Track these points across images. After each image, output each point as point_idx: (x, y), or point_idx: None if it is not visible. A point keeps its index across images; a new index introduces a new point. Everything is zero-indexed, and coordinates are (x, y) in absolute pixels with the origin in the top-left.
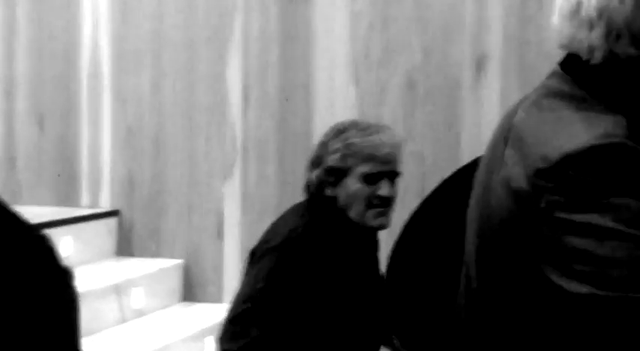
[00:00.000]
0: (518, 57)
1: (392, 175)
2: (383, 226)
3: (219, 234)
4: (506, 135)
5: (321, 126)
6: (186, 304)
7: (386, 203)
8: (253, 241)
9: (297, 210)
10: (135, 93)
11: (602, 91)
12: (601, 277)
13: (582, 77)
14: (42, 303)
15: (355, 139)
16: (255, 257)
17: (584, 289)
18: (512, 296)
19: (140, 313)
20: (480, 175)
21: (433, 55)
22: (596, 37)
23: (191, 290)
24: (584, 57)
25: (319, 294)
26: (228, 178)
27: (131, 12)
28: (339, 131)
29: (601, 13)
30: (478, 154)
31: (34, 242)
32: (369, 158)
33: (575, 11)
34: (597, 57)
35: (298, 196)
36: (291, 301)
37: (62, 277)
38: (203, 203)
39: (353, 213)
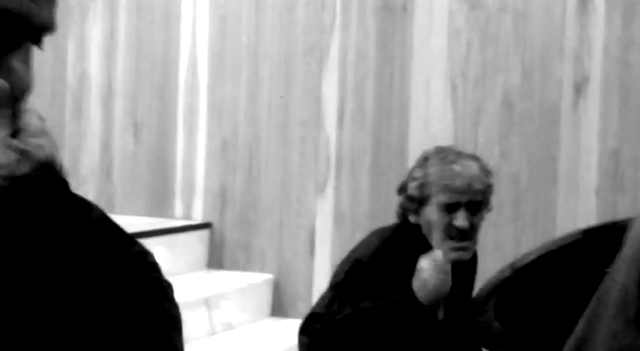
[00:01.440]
0: (619, 79)
1: (471, 205)
2: (461, 259)
3: (311, 250)
4: None
5: (415, 143)
6: (276, 319)
7: (464, 234)
8: None
9: (381, 232)
10: (231, 106)
11: None
12: None
13: None
14: (145, 320)
15: (433, 168)
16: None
17: None
18: None
19: (229, 326)
20: None
21: (532, 76)
22: None
23: (281, 305)
24: None
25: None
26: (321, 193)
27: (229, 25)
28: (424, 159)
29: None
30: (574, 178)
31: (137, 257)
32: (445, 188)
33: None
34: None
35: (391, 214)
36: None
37: (165, 292)
38: (295, 218)
39: (434, 241)
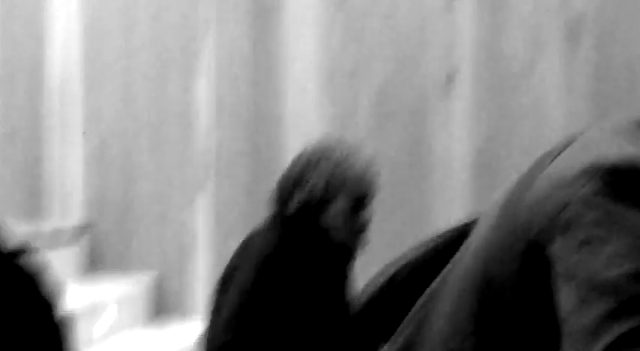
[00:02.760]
0: (489, 70)
1: (365, 199)
2: (360, 247)
3: (190, 250)
4: (565, 145)
5: (292, 141)
6: (157, 319)
7: (362, 225)
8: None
9: (266, 232)
10: (105, 108)
11: None
12: (609, 263)
13: None
14: (29, 333)
15: (331, 170)
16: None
17: (592, 266)
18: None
19: (110, 332)
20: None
21: (404, 70)
22: None
23: (163, 305)
24: None
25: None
26: (198, 194)
27: (102, 26)
28: (315, 160)
29: None
30: (448, 168)
31: (15, 271)
32: (345, 188)
33: None
34: None
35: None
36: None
37: (46, 306)
38: (174, 220)
39: (337, 238)
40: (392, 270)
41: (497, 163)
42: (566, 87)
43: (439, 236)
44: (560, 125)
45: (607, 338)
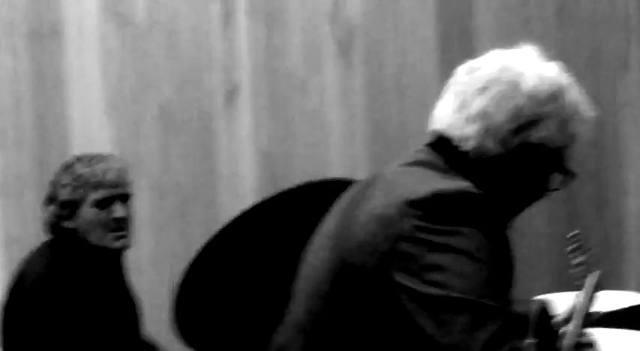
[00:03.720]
0: (267, 85)
1: (124, 198)
2: (125, 247)
3: None
4: (372, 183)
5: None
6: None
7: (123, 224)
8: None
9: (41, 251)
10: None
11: (467, 169)
12: (449, 285)
13: (451, 157)
14: None
15: (82, 170)
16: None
17: (435, 291)
18: (362, 312)
19: None
20: (333, 219)
21: (185, 88)
22: (472, 130)
23: None
24: (458, 143)
25: (85, 326)
26: None
27: None
28: (67, 166)
29: (481, 114)
30: (233, 181)
31: None
32: (98, 185)
33: (462, 107)
34: (469, 145)
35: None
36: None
37: None
38: None
39: (94, 239)
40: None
41: (280, 169)
42: (341, 102)
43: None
44: (339, 144)
45: (476, 347)
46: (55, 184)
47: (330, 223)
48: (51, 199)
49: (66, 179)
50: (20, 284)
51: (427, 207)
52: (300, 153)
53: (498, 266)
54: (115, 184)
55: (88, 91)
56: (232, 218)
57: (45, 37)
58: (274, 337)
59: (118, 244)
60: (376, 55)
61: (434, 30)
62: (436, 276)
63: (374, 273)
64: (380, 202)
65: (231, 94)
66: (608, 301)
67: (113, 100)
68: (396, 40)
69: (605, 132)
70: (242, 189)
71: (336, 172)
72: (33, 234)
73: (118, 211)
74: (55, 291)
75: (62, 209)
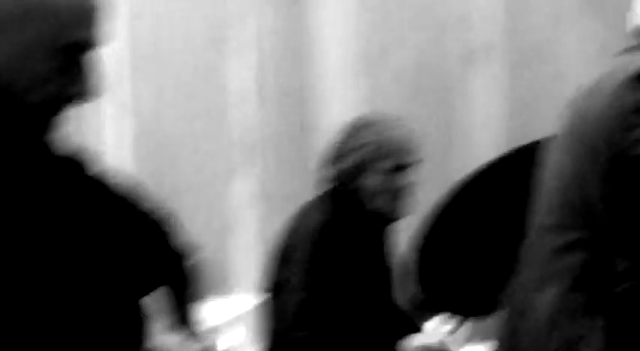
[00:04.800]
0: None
1: (409, 165)
2: (403, 216)
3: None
4: (597, 83)
5: (327, 118)
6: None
7: (405, 192)
8: None
9: (318, 205)
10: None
11: None
12: None
13: None
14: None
15: (371, 136)
16: (288, 254)
17: None
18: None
19: None
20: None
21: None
22: None
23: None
24: None
25: (349, 283)
26: (246, 170)
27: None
28: (355, 130)
29: None
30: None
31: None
32: (388, 154)
33: None
34: None
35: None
36: (330, 289)
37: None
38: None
39: (376, 205)
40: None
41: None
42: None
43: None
44: None
45: None
46: (340, 147)
47: (565, 124)
48: (337, 159)
49: (353, 143)
50: (293, 236)
51: None
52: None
53: None
54: (403, 153)
55: (338, 53)
56: (466, 178)
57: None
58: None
59: (397, 212)
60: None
61: None
62: None
63: (625, 156)
64: (607, 90)
65: (473, 55)
66: None
67: (359, 63)
68: None
69: None
70: (480, 146)
71: None
72: (290, 190)
73: (403, 179)
74: (329, 245)
75: (347, 172)
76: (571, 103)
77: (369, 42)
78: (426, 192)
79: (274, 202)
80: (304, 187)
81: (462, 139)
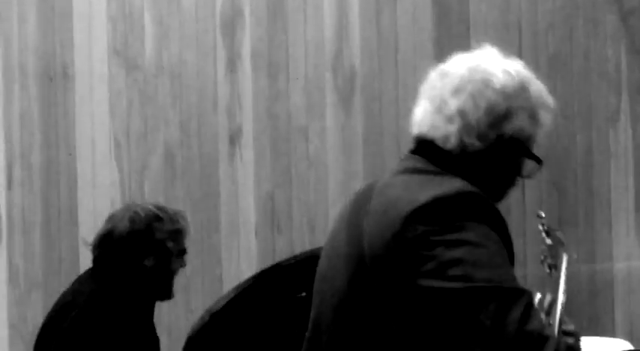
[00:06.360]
0: (268, 129)
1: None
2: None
3: None
4: (368, 198)
5: (84, 202)
6: None
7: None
8: None
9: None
10: None
11: (452, 167)
12: (470, 276)
13: (436, 157)
14: None
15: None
16: None
17: (458, 284)
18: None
19: None
20: (333, 242)
21: (190, 130)
22: (453, 129)
23: None
24: (440, 143)
25: None
26: None
27: None
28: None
29: (459, 113)
30: (235, 222)
31: None
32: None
33: (440, 109)
34: (451, 143)
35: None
36: None
37: None
38: None
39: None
40: (214, 309)
41: (281, 213)
42: (341, 147)
43: (247, 280)
44: (338, 188)
45: (511, 329)
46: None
47: (339, 237)
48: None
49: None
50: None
51: (431, 212)
52: (301, 197)
53: (505, 251)
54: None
55: (97, 131)
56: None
57: (55, 79)
58: None
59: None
60: (375, 102)
61: None
62: (457, 270)
63: (395, 283)
64: (383, 218)
65: (234, 137)
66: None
67: (120, 140)
68: (395, 89)
69: (597, 182)
70: (243, 229)
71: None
72: (38, 268)
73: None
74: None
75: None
76: (356, 197)
77: (132, 119)
78: (197, 283)
79: (25, 280)
80: (59, 266)
81: None
